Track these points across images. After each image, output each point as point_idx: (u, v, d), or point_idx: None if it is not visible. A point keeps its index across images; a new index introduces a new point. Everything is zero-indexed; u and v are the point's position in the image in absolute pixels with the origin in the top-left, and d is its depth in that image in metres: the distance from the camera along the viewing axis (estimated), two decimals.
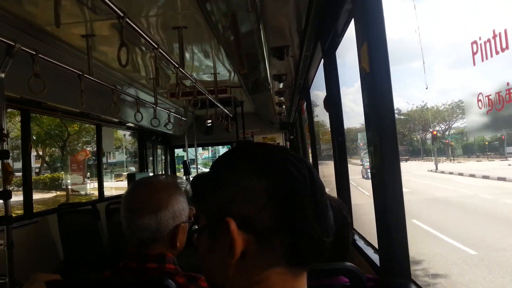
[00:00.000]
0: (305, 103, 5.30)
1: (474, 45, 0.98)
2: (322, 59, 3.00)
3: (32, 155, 4.69)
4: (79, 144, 17.57)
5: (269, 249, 0.62)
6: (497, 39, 0.89)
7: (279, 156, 0.65)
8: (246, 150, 0.69)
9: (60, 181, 16.08)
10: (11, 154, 2.76)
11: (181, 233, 1.32)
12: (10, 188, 2.73)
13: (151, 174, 7.99)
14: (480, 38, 0.95)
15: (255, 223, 0.61)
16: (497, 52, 0.89)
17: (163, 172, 9.05)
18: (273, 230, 0.61)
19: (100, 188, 6.14)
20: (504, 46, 0.87)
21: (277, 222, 0.61)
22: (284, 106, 7.26)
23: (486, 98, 0.99)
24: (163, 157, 9.14)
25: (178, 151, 10.53)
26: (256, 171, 0.63)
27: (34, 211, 4.34)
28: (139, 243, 1.29)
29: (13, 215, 3.15)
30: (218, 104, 5.24)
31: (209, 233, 0.66)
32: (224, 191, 0.65)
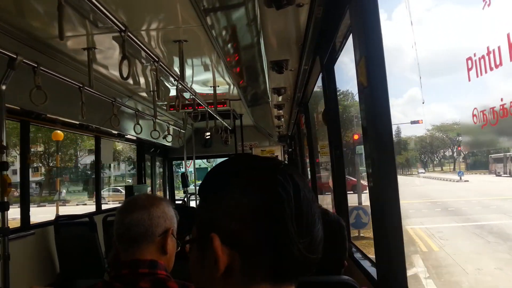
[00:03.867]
0: (303, 116, 5.33)
1: (469, 61, 1.00)
2: (321, 73, 3.03)
3: None
4: None
5: (253, 266, 0.63)
6: (491, 55, 0.91)
7: (267, 174, 0.65)
8: (236, 165, 0.70)
9: None
10: None
11: (170, 238, 1.37)
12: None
13: (149, 188, 7.98)
14: (474, 55, 0.97)
15: (239, 240, 0.62)
16: (491, 69, 0.91)
17: (161, 185, 9.04)
18: (257, 247, 0.62)
19: (98, 200, 6.13)
20: (498, 62, 0.89)
21: (260, 240, 0.62)
22: (283, 119, 7.29)
23: (481, 113, 1.01)
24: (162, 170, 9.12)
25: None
26: (243, 189, 0.64)
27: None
28: (132, 241, 1.33)
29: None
30: (217, 117, 5.26)
31: (198, 246, 0.68)
32: (213, 206, 0.66)
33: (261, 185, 0.64)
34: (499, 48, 0.92)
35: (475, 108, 1.03)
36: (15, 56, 2.48)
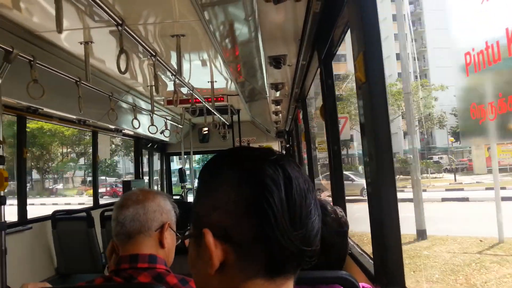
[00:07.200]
0: (301, 112, 5.32)
1: (468, 56, 1.00)
2: (319, 68, 3.02)
3: None
4: None
5: (247, 260, 0.62)
6: (490, 50, 0.91)
7: (256, 166, 0.64)
8: (229, 158, 0.69)
9: None
10: None
11: (168, 232, 1.37)
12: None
13: (146, 181, 7.97)
14: (473, 50, 0.97)
15: (232, 234, 0.62)
16: (489, 64, 0.91)
17: (159, 180, 9.03)
18: (248, 242, 0.61)
19: (95, 195, 6.12)
20: (496, 57, 0.89)
21: (251, 234, 0.61)
22: (280, 115, 7.27)
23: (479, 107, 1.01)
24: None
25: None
26: (232, 182, 0.63)
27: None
28: (129, 236, 1.32)
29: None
30: (214, 112, 5.25)
31: (194, 241, 0.67)
32: (205, 200, 0.66)
33: (250, 177, 0.63)
34: None
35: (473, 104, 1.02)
36: (11, 50, 2.47)
